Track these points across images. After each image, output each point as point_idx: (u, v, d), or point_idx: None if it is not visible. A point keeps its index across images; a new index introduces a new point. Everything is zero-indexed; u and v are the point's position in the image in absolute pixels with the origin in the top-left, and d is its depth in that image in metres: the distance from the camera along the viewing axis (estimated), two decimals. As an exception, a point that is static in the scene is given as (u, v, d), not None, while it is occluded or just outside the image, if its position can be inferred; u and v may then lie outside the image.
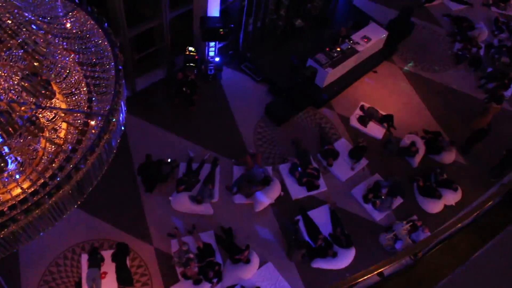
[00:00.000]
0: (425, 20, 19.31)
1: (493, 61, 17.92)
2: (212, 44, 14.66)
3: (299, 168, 13.21)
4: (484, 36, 18.78)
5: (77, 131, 4.61)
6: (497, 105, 15.07)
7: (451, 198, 13.53)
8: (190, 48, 14.72)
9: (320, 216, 12.69)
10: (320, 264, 11.88)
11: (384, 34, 16.67)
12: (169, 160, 12.76)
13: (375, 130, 14.90)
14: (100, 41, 5.08)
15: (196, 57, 14.78)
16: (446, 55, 18.05)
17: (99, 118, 4.59)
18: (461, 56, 17.70)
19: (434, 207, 13.33)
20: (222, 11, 14.49)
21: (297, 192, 13.10)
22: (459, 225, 9.67)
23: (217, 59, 15.14)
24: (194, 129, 14.06)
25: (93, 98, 4.90)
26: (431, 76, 17.14)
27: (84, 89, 4.92)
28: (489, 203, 8.40)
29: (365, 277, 10.79)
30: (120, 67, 4.91)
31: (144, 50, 14.39)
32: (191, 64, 14.76)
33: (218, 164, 13.12)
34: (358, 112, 15.18)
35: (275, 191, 12.71)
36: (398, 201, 13.28)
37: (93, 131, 4.54)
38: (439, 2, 20.27)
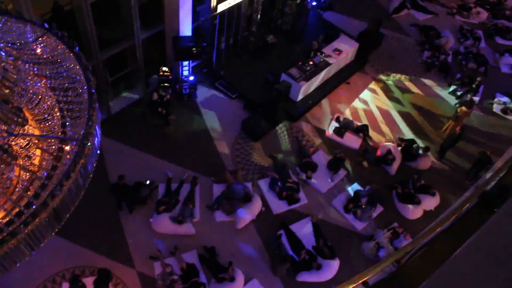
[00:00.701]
0: (394, 30, 19.76)
1: (461, 67, 18.43)
2: (185, 63, 14.71)
3: (279, 183, 13.24)
4: (451, 44, 19.32)
5: (51, 157, 4.54)
6: (467, 109, 15.43)
7: (430, 203, 13.72)
8: (164, 68, 14.74)
9: (303, 229, 12.69)
10: (305, 277, 11.84)
11: (355, 46, 16.98)
12: (147, 182, 12.66)
13: (352, 140, 15.05)
14: (71, 65, 5.04)
15: (170, 77, 14.80)
16: (416, 63, 18.48)
17: (74, 143, 4.53)
18: (430, 64, 18.15)
19: (414, 213, 13.49)
20: (194, 30, 14.57)
21: (278, 206, 13.09)
22: (439, 229, 9.78)
23: (191, 78, 15.18)
24: (171, 149, 13.99)
25: (67, 123, 4.84)
26: (403, 84, 17.48)
27: (58, 114, 4.86)
28: (466, 206, 8.57)
29: (350, 287, 10.77)
30: (93, 90, 4.87)
31: (117, 72, 14.33)
32: (166, 84, 14.77)
33: (198, 183, 13.05)
34: (333, 124, 15.35)
35: (256, 207, 12.69)
36: (379, 209, 13.40)
37: (68, 156, 4.48)
38: (406, 12, 20.81)
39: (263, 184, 13.47)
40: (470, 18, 21.24)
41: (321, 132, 15.27)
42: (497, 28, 20.66)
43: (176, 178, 13.08)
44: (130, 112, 14.68)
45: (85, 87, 4.89)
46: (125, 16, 12.89)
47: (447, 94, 17.33)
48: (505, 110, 16.98)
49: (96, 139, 4.82)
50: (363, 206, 13.09)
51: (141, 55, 13.93)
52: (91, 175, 4.80)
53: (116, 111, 14.50)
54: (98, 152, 4.97)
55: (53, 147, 4.64)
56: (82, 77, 4.96)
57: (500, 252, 5.97)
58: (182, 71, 14.87)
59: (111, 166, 13.17)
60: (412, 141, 15.12)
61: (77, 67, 5.03)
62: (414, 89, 17.39)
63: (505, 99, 17.37)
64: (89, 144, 4.45)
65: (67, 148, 4.53)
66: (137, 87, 14.96)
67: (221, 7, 15.00)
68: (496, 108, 17.15)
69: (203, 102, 15.41)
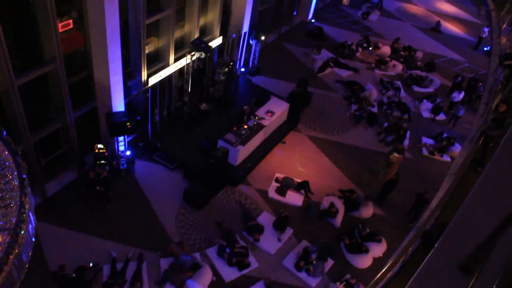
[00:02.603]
0: (321, 88, 20.78)
1: (387, 116, 19.58)
2: (121, 138, 14.57)
3: (227, 249, 13.02)
4: (374, 96, 20.57)
5: (-18, 251, 4.27)
6: (399, 155, 16.19)
7: (378, 250, 13.97)
8: (99, 145, 14.48)
9: (257, 294, 12.43)
10: None
11: (286, 106, 17.61)
12: (91, 265, 12.03)
13: (294, 198, 15.25)
14: (-1, 152, 4.89)
15: (106, 153, 14.52)
16: (345, 117, 19.39)
17: (6, 232, 4.31)
18: (358, 116, 19.12)
19: (364, 262, 13.64)
20: (127, 105, 14.60)
21: (229, 273, 12.79)
22: (390, 274, 9.94)
23: (128, 153, 15.00)
24: (113, 227, 13.49)
25: (-3, 212, 4.61)
26: (335, 138, 18.18)
27: (-14, 204, 4.63)
28: (411, 247, 8.82)
29: None
30: (24, 175, 4.71)
31: (51, 154, 13.91)
32: (102, 161, 14.46)
33: (144, 260, 12.56)
34: (274, 184, 15.53)
35: (206, 276, 12.32)
36: (330, 263, 13.43)
37: None
38: (330, 71, 22.06)
39: (212, 252, 13.19)
40: (388, 71, 22.88)
41: (263, 193, 15.37)
42: (412, 78, 22.38)
43: (121, 257, 12.54)
44: (67, 193, 14.14)
45: (15, 173, 4.72)
46: (56, 96, 12.74)
47: (378, 143, 18.20)
48: (432, 152, 18.04)
49: (31, 226, 4.61)
50: (314, 262, 13.08)
51: (74, 134, 13.68)
52: (27, 265, 4.54)
53: (51, 193, 13.93)
54: (34, 239, 4.74)
55: (-17, 239, 4.38)
56: (12, 163, 4.80)
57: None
58: (118, 146, 14.70)
59: (50, 253, 12.43)
60: (352, 191, 15.55)
61: (6, 152, 4.88)
62: (346, 141, 18.13)
63: (431, 141, 18.53)
64: (22, 232, 4.25)
65: (-1, 238, 4.30)
66: (73, 167, 14.53)
67: (152, 81, 15.23)
68: (424, 150, 18.18)
69: (142, 176, 15.17)
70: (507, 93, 12.74)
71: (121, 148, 14.77)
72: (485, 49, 25.64)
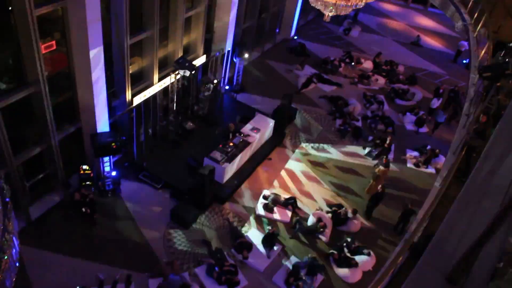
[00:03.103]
0: (305, 104, 20.94)
1: (371, 129, 19.78)
2: (106, 159, 14.46)
3: (216, 268, 12.91)
4: (358, 110, 20.79)
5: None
6: (385, 168, 16.33)
7: (367, 263, 13.97)
8: (84, 167, 14.37)
9: (247, 312, 12.32)
10: None
11: (271, 123, 17.69)
12: (77, 289, 11.83)
13: (282, 214, 15.22)
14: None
15: (92, 174, 14.42)
16: (330, 132, 19.52)
17: (-11, 257, 4.24)
18: (343, 131, 19.28)
19: (354, 276, 13.62)
20: (111, 125, 14.54)
21: (219, 292, 12.68)
22: (379, 287, 9.92)
23: (113, 173, 14.88)
24: (100, 249, 13.30)
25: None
26: (321, 153, 18.27)
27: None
28: (399, 260, 8.83)
29: None
30: (7, 199, 4.66)
31: (35, 176, 13.73)
32: (88, 182, 14.33)
33: (132, 282, 12.38)
34: (262, 201, 15.50)
35: (196, 297, 12.20)
36: (320, 278, 13.38)
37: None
38: (314, 87, 22.26)
39: (201, 271, 13.07)
40: (371, 85, 23.17)
41: (250, 211, 15.33)
42: (395, 91, 22.68)
43: (108, 280, 12.32)
44: (52, 216, 13.93)
45: (-2, 197, 4.67)
46: (39, 118, 12.63)
47: (364, 157, 18.34)
48: (417, 164, 18.22)
49: (14, 250, 4.54)
50: (304, 278, 13.03)
51: (59, 156, 13.54)
52: (12, 291, 4.46)
53: (36, 216, 13.72)
54: (18, 264, 4.66)
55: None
56: (-6, 187, 4.75)
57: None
58: (103, 167, 14.58)
59: (35, 278, 12.18)
60: (339, 206, 15.59)
61: (-12, 177, 4.83)
62: (333, 156, 18.23)
63: (415, 153, 18.72)
64: (6, 257, 4.18)
65: (-18, 264, 4.22)
66: (58, 189, 14.36)
67: (137, 100, 15.22)
68: (409, 162, 18.35)
69: (129, 196, 15.04)
70: (487, 104, 12.95)
71: (107, 168, 14.66)
72: (464, 61, 26.14)
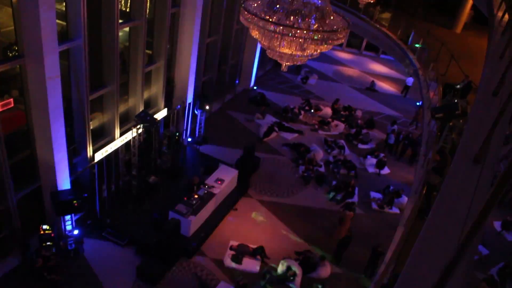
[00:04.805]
0: (268, 152, 21.15)
1: (334, 174, 20.07)
2: (68, 217, 14.03)
3: (186, 325, 12.48)
4: (320, 156, 21.15)
5: None
6: (350, 212, 16.49)
7: (339, 310, 13.82)
8: (45, 226, 13.85)
9: None
10: None
11: (235, 173, 17.71)
12: None
13: (250, 265, 15.01)
14: None
15: (53, 234, 13.89)
16: (294, 178, 19.68)
17: None
18: (307, 177, 19.49)
19: (326, 324, 13.41)
20: (73, 182, 14.20)
21: None
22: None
23: (75, 232, 14.41)
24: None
25: None
26: (286, 200, 18.34)
27: None
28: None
29: None
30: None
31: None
32: (48, 243, 13.77)
33: None
34: (229, 252, 15.28)
35: None
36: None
37: None
38: (276, 135, 22.59)
39: (169, 330, 12.59)
40: (331, 131, 23.71)
41: (219, 263, 15.04)
42: (354, 135, 23.27)
43: None
44: (8, 283, 13.22)
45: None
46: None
47: (328, 202, 18.50)
48: (381, 205, 18.51)
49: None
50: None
51: (17, 216, 13.04)
52: None
53: (-9, 283, 13.02)
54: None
55: None
56: None
57: None
58: (65, 226, 14.12)
59: None
60: (307, 252, 15.52)
61: None
62: (298, 203, 18.30)
63: (379, 195, 19.05)
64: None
65: None
66: (15, 252, 13.71)
67: (98, 156, 15.01)
68: (373, 205, 18.63)
69: (92, 255, 14.51)
70: (442, 144, 13.50)
71: (68, 227, 14.20)
72: (418, 104, 27.28)
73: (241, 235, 16.22)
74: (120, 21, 14.24)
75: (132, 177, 16.70)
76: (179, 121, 19.82)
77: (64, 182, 13.70)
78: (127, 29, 15.32)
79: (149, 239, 14.76)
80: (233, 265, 14.90)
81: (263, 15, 7.82)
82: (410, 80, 28.68)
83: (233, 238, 15.95)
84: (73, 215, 14.18)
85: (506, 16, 13.49)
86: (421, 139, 17.84)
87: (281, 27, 7.49)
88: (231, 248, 15.35)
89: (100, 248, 14.84)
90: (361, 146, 22.85)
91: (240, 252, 15.17)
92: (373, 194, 19.25)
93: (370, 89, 29.81)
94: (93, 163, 14.89)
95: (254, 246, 15.51)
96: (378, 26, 24.98)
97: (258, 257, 15.21)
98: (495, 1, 16.11)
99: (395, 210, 18.43)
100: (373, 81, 30.40)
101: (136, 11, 15.18)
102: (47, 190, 13.64)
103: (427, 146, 14.50)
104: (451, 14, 28.26)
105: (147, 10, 15.44)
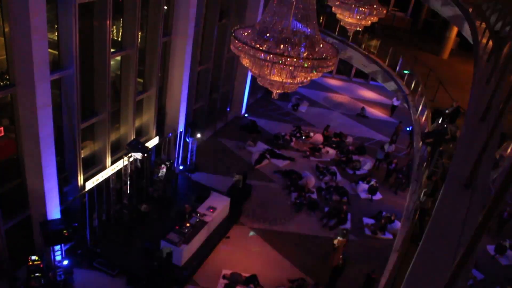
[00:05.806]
0: (260, 180, 21.11)
1: (327, 200, 20.04)
2: (57, 247, 13.81)
3: None
4: (312, 182, 21.13)
5: None
6: (343, 239, 16.40)
7: None
8: (33, 257, 13.57)
9: None
10: None
11: (227, 201, 17.63)
12: None
13: (244, 293, 14.81)
14: None
15: (41, 265, 13.61)
16: (286, 205, 19.61)
17: None
18: (299, 204, 19.44)
19: None
20: (63, 212, 14.03)
21: None
22: None
23: (65, 262, 14.16)
24: None
25: None
26: (279, 228, 18.23)
27: None
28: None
29: None
30: None
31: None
32: (37, 274, 13.47)
33: None
34: (222, 281, 15.07)
35: None
36: None
37: None
38: (267, 162, 22.57)
39: None
40: (322, 157, 23.77)
41: (212, 291, 14.84)
42: (346, 162, 23.34)
43: None
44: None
45: None
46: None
47: (321, 228, 18.41)
48: (374, 231, 18.44)
49: None
50: None
51: (5, 246, 12.80)
52: None
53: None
54: None
55: None
56: None
57: None
58: (54, 256, 13.87)
59: None
60: (302, 280, 15.35)
61: None
62: (290, 230, 18.19)
63: (371, 221, 19.01)
64: None
65: None
66: (2, 284, 13.39)
67: (89, 185, 14.90)
68: (366, 231, 18.56)
69: (82, 286, 14.24)
70: (433, 168, 13.58)
71: (58, 257, 13.96)
72: (408, 129, 27.50)
73: (234, 264, 16.02)
74: (112, 50, 14.36)
75: (123, 205, 16.55)
76: (171, 149, 19.80)
77: (54, 211, 13.53)
78: (118, 57, 15.43)
79: (141, 269, 14.54)
80: (226, 294, 14.69)
81: (253, 43, 7.94)
82: (396, 100, 29.42)
83: (225, 267, 15.76)
84: (62, 245, 13.96)
85: (490, 43, 13.83)
86: (410, 168, 18.00)
87: (271, 55, 7.60)
88: (224, 277, 15.15)
89: (90, 279, 14.57)
90: (352, 172, 22.85)
91: (233, 281, 14.97)
92: (366, 220, 19.21)
93: (361, 115, 30.05)
94: (83, 192, 14.77)
95: (247, 275, 15.32)
96: (366, 53, 25.40)
97: (251, 285, 15.01)
98: (479, 29, 16.51)
99: (388, 236, 18.36)
100: (363, 107, 30.66)
101: (128, 40, 15.33)
102: (37, 220, 13.45)
103: (418, 171, 14.59)
104: (437, 41, 28.89)
105: (139, 39, 15.60)
